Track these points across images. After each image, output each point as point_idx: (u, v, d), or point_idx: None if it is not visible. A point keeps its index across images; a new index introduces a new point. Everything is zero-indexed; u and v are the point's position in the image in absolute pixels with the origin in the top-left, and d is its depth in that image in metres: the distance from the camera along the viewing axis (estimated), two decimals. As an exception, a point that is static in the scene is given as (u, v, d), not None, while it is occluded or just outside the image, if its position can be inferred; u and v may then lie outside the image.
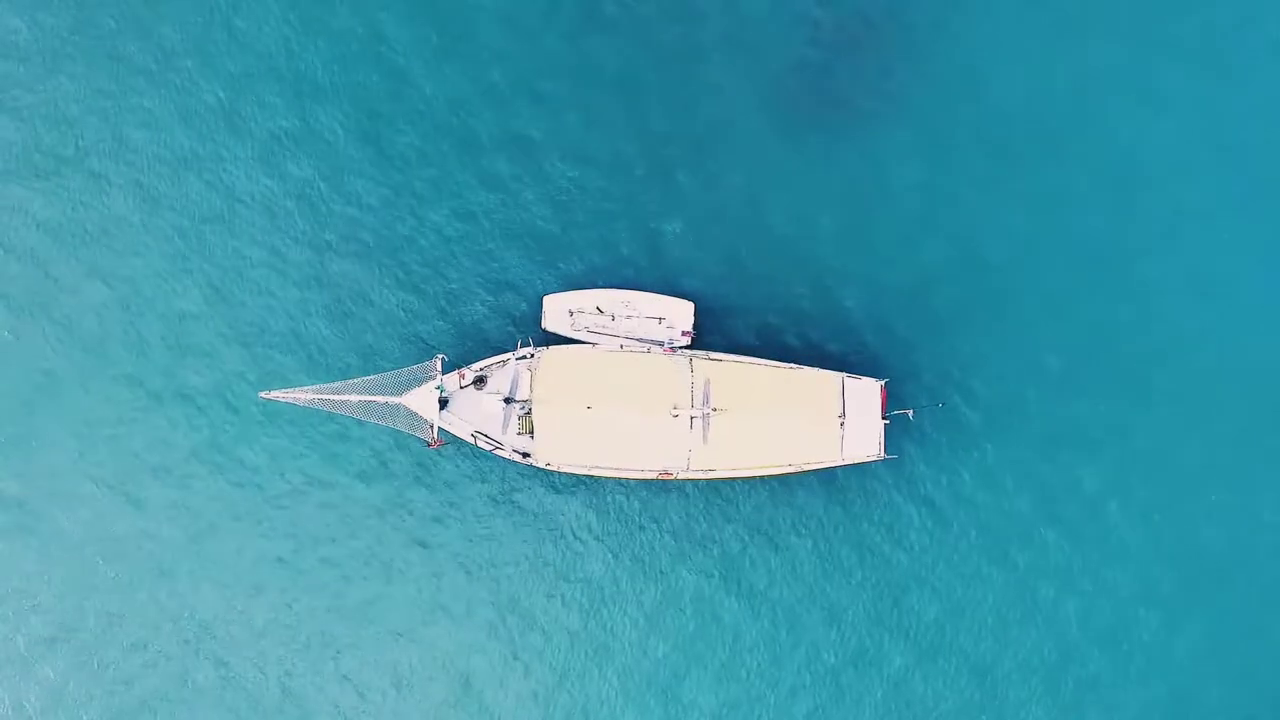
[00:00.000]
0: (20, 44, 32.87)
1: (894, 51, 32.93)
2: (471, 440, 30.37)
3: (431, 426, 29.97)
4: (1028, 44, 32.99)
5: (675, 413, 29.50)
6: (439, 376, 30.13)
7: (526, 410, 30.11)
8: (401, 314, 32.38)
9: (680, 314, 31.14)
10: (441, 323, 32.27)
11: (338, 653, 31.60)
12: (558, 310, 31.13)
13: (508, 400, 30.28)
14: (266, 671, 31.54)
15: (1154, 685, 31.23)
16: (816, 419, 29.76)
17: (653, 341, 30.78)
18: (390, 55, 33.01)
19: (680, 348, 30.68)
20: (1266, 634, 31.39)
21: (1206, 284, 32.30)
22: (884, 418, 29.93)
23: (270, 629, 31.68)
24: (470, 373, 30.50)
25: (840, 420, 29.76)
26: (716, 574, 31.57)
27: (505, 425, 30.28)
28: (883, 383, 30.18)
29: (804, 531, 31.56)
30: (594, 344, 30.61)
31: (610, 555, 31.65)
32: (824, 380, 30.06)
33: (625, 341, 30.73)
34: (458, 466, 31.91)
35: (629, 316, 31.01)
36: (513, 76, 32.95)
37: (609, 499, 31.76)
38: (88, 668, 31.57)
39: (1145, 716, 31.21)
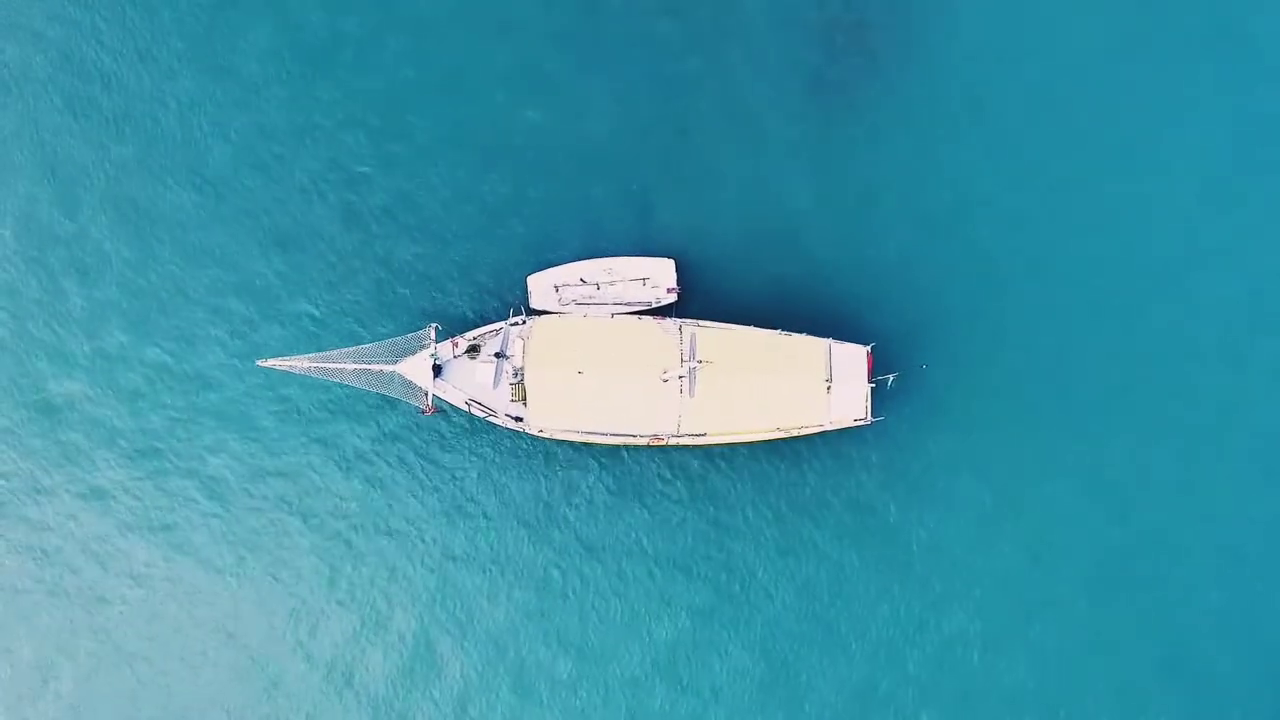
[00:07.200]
0: None
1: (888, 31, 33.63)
2: (465, 408, 30.98)
3: (426, 394, 30.59)
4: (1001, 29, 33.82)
5: (665, 377, 30.02)
6: (433, 345, 30.74)
7: (519, 378, 30.68)
8: (396, 283, 32.94)
9: (662, 272, 31.66)
10: (436, 293, 32.78)
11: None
12: (543, 288, 31.61)
13: (498, 355, 30.83)
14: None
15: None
16: (804, 383, 30.24)
17: (640, 303, 31.35)
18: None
19: (668, 305, 31.29)
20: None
21: (1182, 247, 32.93)
22: (870, 382, 30.46)
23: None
24: (464, 341, 31.08)
25: (827, 384, 30.26)
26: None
27: (496, 381, 30.84)
28: (869, 347, 30.66)
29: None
30: (584, 315, 31.13)
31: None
32: (811, 345, 30.51)
33: (615, 309, 31.29)
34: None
35: (612, 283, 31.51)
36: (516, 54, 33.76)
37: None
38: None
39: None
